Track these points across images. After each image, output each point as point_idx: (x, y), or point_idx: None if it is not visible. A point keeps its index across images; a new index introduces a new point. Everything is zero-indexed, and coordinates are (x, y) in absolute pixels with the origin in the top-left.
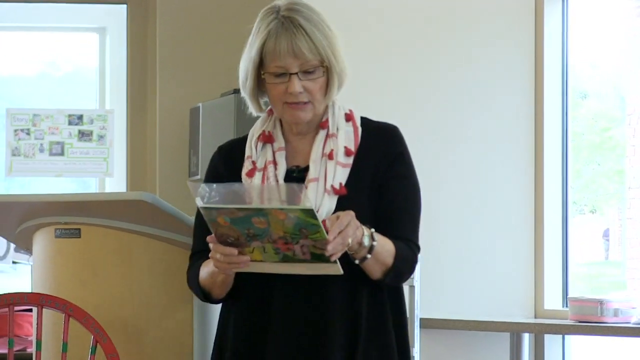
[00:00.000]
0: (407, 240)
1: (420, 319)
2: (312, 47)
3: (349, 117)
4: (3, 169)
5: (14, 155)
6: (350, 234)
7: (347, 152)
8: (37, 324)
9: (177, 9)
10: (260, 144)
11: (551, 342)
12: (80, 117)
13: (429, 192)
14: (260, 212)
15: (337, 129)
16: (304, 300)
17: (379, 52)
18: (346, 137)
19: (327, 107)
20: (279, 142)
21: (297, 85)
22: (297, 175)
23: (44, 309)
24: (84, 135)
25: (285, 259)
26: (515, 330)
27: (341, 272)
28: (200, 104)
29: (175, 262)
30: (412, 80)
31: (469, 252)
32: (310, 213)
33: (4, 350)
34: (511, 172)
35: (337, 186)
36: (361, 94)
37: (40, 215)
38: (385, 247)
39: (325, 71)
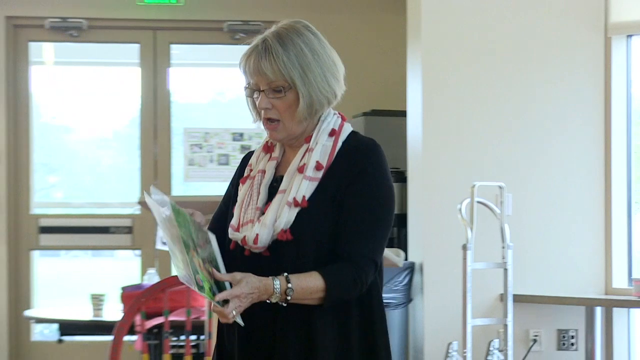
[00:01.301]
0: (351, 255)
1: (513, 295)
2: (275, 69)
3: (333, 133)
4: (181, 175)
5: (189, 165)
6: (237, 304)
7: (318, 167)
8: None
9: None
10: (262, 154)
11: (618, 314)
12: (241, 135)
13: (519, 194)
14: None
15: (317, 143)
16: (266, 310)
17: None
18: (322, 152)
19: (318, 121)
20: (275, 152)
21: (263, 101)
22: (276, 184)
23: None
24: (245, 149)
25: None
26: (589, 305)
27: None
28: None
29: None
30: (501, 102)
31: (552, 241)
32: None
33: (183, 318)
34: (585, 177)
35: (299, 199)
36: (460, 121)
37: (210, 212)
38: (308, 288)
39: (294, 92)
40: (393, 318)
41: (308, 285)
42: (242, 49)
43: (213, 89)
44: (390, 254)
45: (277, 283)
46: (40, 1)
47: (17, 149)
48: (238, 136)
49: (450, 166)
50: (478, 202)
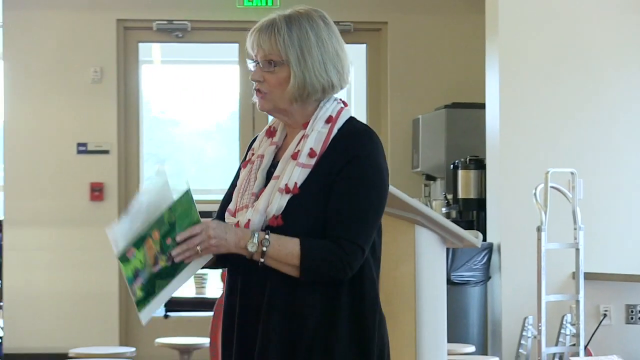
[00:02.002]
0: (338, 238)
1: (584, 273)
2: (272, 43)
3: (329, 120)
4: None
5: None
6: (197, 242)
7: (311, 154)
8: None
9: (402, 46)
10: (265, 138)
11: None
12: None
13: (590, 179)
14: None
15: (312, 130)
16: (258, 287)
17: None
18: (316, 139)
19: (317, 108)
20: (277, 137)
21: (256, 73)
22: (273, 170)
23: None
24: None
25: (163, 275)
26: None
27: (203, 263)
28: (420, 116)
29: (400, 231)
30: (573, 93)
31: (620, 222)
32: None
33: None
34: None
35: (291, 186)
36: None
37: None
38: (284, 250)
39: (286, 69)
40: (472, 295)
41: (285, 244)
42: None
43: None
44: (469, 236)
45: (256, 234)
46: (148, 5)
47: (127, 141)
48: None
49: (525, 154)
50: (551, 187)
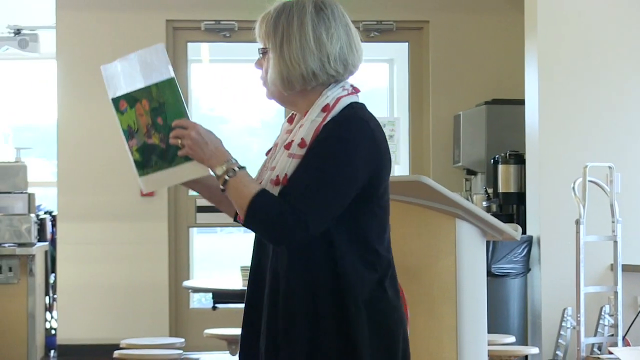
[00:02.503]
0: (288, 200)
1: (622, 265)
2: (261, 31)
3: (325, 108)
4: None
5: None
6: (181, 135)
7: (301, 144)
8: None
9: (443, 44)
10: (286, 125)
11: None
12: None
13: (627, 173)
14: (132, 98)
15: (307, 119)
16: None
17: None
18: (308, 128)
19: (319, 96)
20: (293, 125)
21: (257, 61)
22: None
23: None
24: None
25: (159, 155)
26: None
27: (204, 172)
28: (461, 112)
29: (441, 224)
30: (610, 89)
31: None
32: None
33: None
34: None
35: (281, 177)
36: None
37: None
38: (243, 188)
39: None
40: (513, 286)
41: (247, 184)
42: (377, 46)
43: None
44: (509, 229)
45: (229, 161)
46: (196, 6)
47: None
48: None
49: (564, 148)
50: (590, 181)
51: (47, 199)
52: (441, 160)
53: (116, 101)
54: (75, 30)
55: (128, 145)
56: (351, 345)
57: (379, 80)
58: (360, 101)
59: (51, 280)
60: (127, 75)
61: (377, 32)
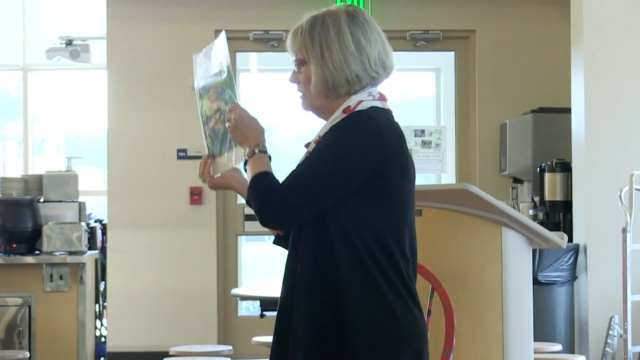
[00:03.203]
0: (281, 185)
1: None
2: (295, 44)
3: (346, 110)
4: None
5: None
6: (230, 117)
7: (317, 141)
8: None
9: (489, 53)
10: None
11: None
12: (422, 131)
13: None
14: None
15: (329, 121)
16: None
17: None
18: (326, 127)
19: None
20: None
21: (291, 75)
22: None
23: None
24: (425, 144)
25: (221, 139)
26: None
27: (242, 157)
28: (507, 121)
29: (487, 232)
30: None
31: None
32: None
33: None
34: None
35: None
36: None
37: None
38: (254, 168)
39: (310, 67)
40: (559, 294)
41: (258, 164)
42: (423, 55)
43: (397, 90)
44: (554, 237)
45: (261, 145)
46: (245, 16)
47: None
48: (420, 132)
49: (610, 157)
50: (636, 189)
51: (97, 208)
52: (488, 168)
53: (197, 88)
54: (125, 40)
55: (204, 128)
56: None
57: (425, 89)
58: (388, 107)
59: (101, 288)
60: (203, 64)
61: (423, 41)
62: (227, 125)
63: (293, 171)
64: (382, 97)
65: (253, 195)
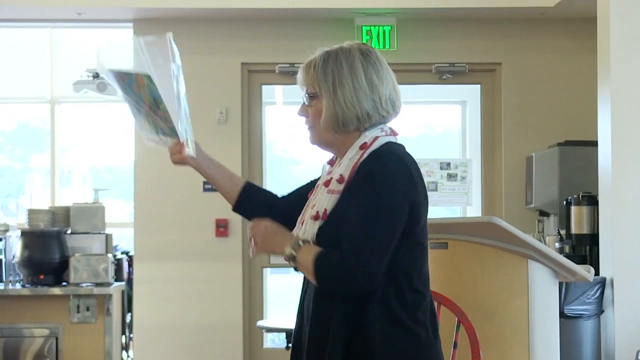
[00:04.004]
0: (344, 250)
1: None
2: (308, 77)
3: (363, 146)
4: None
5: None
6: (250, 237)
7: (339, 180)
8: None
9: (515, 85)
10: (327, 167)
11: None
12: (448, 164)
13: None
14: (131, 76)
15: (345, 157)
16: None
17: None
18: (347, 165)
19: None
20: (334, 167)
21: (300, 109)
22: None
23: None
24: (451, 177)
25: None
26: None
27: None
28: (533, 154)
29: (514, 265)
30: None
31: None
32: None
33: None
34: None
35: (320, 213)
36: None
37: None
38: (306, 256)
39: (321, 102)
40: (586, 328)
41: (309, 251)
42: (449, 88)
43: (423, 123)
44: (581, 270)
45: (294, 240)
46: (271, 49)
47: (250, 179)
48: (445, 165)
49: (637, 190)
50: None
51: (123, 240)
52: (514, 201)
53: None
54: None
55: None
56: None
57: (451, 122)
58: (399, 142)
59: (127, 320)
60: (147, 54)
61: (449, 74)
62: (252, 244)
63: (347, 227)
64: (394, 132)
65: (330, 280)
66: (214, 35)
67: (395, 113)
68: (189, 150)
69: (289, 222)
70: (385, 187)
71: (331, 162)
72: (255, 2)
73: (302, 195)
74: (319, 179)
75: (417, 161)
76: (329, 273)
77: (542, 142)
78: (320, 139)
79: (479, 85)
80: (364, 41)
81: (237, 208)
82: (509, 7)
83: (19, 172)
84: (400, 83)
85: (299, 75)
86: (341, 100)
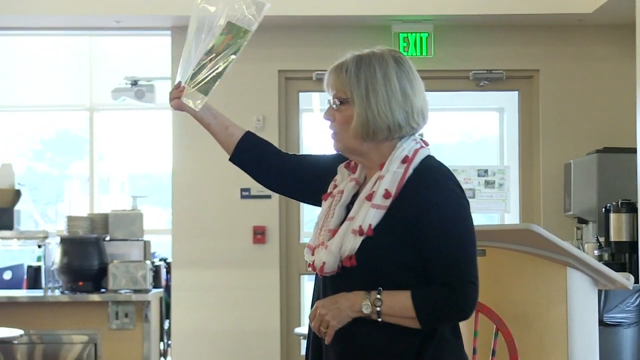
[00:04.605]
0: (447, 282)
1: None
2: (339, 81)
3: (405, 160)
4: None
5: None
6: (317, 325)
7: (386, 195)
8: None
9: (553, 92)
10: (346, 172)
11: None
12: (486, 171)
13: None
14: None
15: (388, 171)
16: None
17: None
18: (392, 180)
19: (393, 148)
20: (357, 174)
21: (326, 113)
22: (351, 206)
23: None
24: (489, 184)
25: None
26: None
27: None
28: (571, 161)
29: (552, 273)
30: None
31: None
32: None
33: None
34: None
35: (365, 228)
36: None
37: None
38: (397, 305)
39: (351, 107)
40: (625, 336)
41: (397, 299)
42: (487, 95)
43: (460, 130)
44: (620, 277)
45: (368, 293)
46: (308, 57)
47: None
48: (483, 172)
49: None
50: None
51: (161, 246)
52: (552, 208)
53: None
54: None
55: (200, 58)
56: None
57: (489, 129)
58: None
59: (165, 326)
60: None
61: (487, 81)
62: (322, 330)
63: (436, 256)
64: (425, 143)
65: (437, 318)
66: (252, 42)
67: (424, 124)
68: (188, 101)
69: (280, 178)
70: (455, 208)
71: (348, 166)
72: (293, 9)
73: (307, 166)
74: (329, 166)
75: (454, 168)
76: (436, 312)
77: (581, 149)
78: (345, 146)
79: (516, 92)
80: (401, 48)
81: (233, 159)
82: (546, 13)
83: (58, 179)
84: (437, 90)
85: (328, 78)
86: (374, 108)
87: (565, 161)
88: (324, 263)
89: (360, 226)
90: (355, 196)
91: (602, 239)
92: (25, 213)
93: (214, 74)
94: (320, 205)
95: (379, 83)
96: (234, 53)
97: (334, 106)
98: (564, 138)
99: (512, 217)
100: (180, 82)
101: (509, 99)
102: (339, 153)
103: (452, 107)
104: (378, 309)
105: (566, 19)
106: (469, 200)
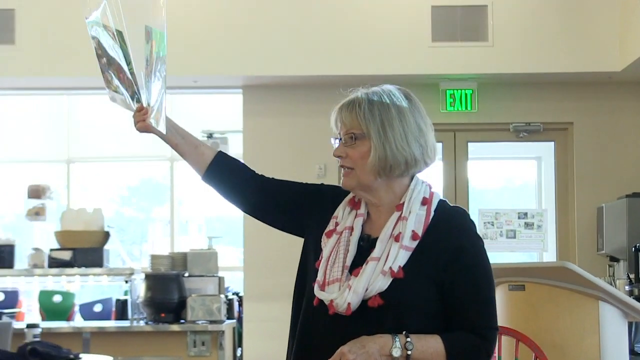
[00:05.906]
0: (475, 328)
1: None
2: (354, 117)
3: (425, 201)
4: None
5: (483, 239)
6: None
7: (414, 237)
8: (498, 346)
9: (586, 143)
10: (348, 208)
11: None
12: (525, 214)
13: None
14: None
15: (410, 212)
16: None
17: None
18: (416, 221)
19: (407, 189)
20: (361, 209)
21: (338, 149)
22: (364, 244)
23: (502, 337)
24: (528, 226)
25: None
26: None
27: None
28: (603, 205)
29: (586, 306)
30: None
31: None
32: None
33: None
34: None
35: (395, 269)
36: None
37: (500, 276)
38: (429, 350)
39: (367, 142)
40: None
41: (428, 343)
42: (525, 145)
43: (503, 177)
44: None
45: (396, 337)
46: None
47: None
48: (523, 215)
49: None
50: None
51: (234, 282)
52: (586, 247)
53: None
54: (259, 133)
55: (133, 73)
56: None
57: (528, 176)
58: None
59: (238, 354)
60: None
61: (525, 132)
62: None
63: (463, 304)
64: (430, 185)
65: (473, 357)
66: (311, 98)
67: (434, 160)
68: (153, 121)
69: (257, 201)
70: (482, 255)
71: (353, 203)
72: (350, 70)
73: (286, 192)
74: (316, 193)
75: (497, 212)
76: (465, 356)
77: (612, 194)
78: (359, 182)
79: (552, 143)
80: (448, 103)
81: (205, 178)
82: (579, 72)
83: (142, 222)
84: (481, 141)
85: (338, 115)
86: (391, 141)
87: (598, 205)
88: (349, 304)
89: (390, 268)
90: (363, 232)
91: (632, 276)
92: (114, 252)
93: (162, 90)
94: (295, 234)
95: (394, 118)
96: (163, 57)
97: (347, 143)
98: (597, 184)
99: (549, 256)
100: (141, 105)
101: (546, 149)
102: (323, 185)
103: (495, 156)
104: (409, 352)
105: (597, 77)
106: (510, 240)
